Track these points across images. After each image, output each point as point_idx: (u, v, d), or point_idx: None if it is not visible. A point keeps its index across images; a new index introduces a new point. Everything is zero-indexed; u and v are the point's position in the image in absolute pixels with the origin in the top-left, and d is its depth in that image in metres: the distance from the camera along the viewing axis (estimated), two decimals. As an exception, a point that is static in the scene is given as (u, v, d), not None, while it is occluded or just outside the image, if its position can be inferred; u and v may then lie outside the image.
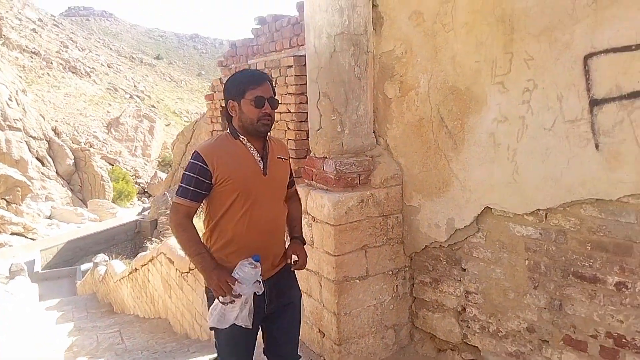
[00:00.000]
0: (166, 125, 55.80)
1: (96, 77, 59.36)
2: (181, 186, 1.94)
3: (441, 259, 2.86)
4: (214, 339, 2.14)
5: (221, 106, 6.93)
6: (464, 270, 2.75)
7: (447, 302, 2.87)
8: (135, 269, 8.47)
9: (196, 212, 2.01)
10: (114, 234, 24.35)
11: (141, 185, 42.62)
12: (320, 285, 2.92)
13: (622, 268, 2.14)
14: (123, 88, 60.73)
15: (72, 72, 55.49)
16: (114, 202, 34.27)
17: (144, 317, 8.00)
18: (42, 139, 34.01)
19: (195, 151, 1.96)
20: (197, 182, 1.92)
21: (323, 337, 2.98)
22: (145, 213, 27.38)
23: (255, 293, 1.92)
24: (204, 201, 2.00)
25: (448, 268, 2.83)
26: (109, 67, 65.21)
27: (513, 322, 2.57)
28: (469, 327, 2.78)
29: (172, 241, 6.42)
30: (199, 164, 1.92)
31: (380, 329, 2.99)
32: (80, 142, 42.24)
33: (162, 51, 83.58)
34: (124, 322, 7.85)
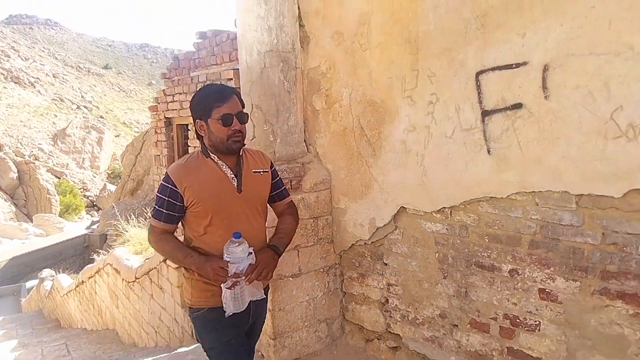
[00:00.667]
0: (115, 137, 54.39)
1: (41, 87, 57.27)
2: (155, 208, 1.94)
3: (366, 255, 3.13)
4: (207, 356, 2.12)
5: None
6: (386, 264, 3.03)
7: (372, 294, 3.14)
8: (82, 282, 8.38)
9: (174, 231, 2.01)
10: (62, 249, 23.55)
11: (90, 198, 41.34)
12: (256, 284, 3.13)
13: (513, 257, 2.47)
14: (70, 98, 58.83)
15: (15, 82, 53.37)
16: (61, 217, 33.10)
17: (91, 329, 7.93)
18: (-17, 152, 32.57)
19: (166, 173, 1.94)
20: (169, 205, 1.91)
21: (260, 332, 3.19)
22: (94, 227, 26.65)
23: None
24: (180, 222, 2.00)
25: (372, 263, 3.11)
26: (54, 77, 63.04)
27: (428, 310, 2.86)
28: (392, 317, 3.06)
29: (119, 251, 6.46)
30: (169, 186, 1.89)
31: (313, 322, 3.22)
32: (25, 155, 40.58)
33: (111, 60, 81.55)
34: (71, 335, 7.75)
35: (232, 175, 1.96)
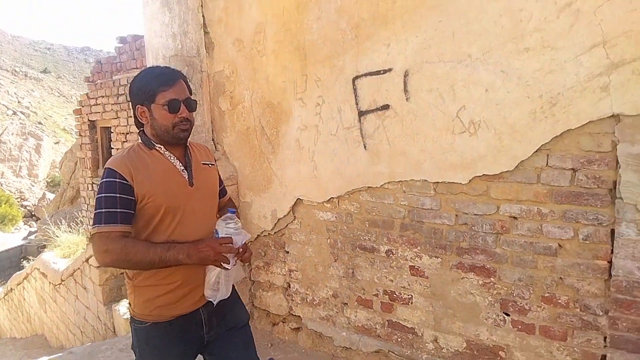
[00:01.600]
0: (55, 143, 52.25)
1: (-28, 92, 54.36)
2: (102, 212, 1.59)
3: (270, 244, 3.40)
4: None
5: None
6: (287, 252, 3.31)
7: (276, 281, 3.41)
8: (11, 289, 8.21)
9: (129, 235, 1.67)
10: (-4, 261, 22.51)
11: (28, 208, 39.61)
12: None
13: (388, 239, 2.80)
14: (5, 104, 56.12)
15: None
16: (-4, 228, 31.56)
17: (20, 337, 7.79)
18: None
19: (106, 168, 1.64)
20: (124, 202, 1.61)
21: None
22: (32, 237, 25.64)
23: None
24: None
25: (275, 252, 3.38)
26: (-13, 81, 59.95)
27: (323, 291, 3.16)
28: (293, 300, 3.34)
29: (46, 255, 6.44)
30: (117, 180, 1.61)
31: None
32: (-46, 163, 38.39)
33: (50, 64, 78.35)
34: (-2, 345, 7.59)
35: (182, 168, 1.75)
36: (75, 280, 5.20)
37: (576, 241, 2.21)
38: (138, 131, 1.79)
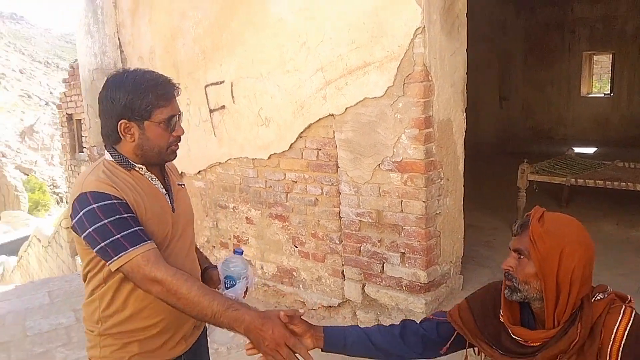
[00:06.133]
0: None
1: (7, 83, 57.26)
2: (117, 238, 1.26)
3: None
4: None
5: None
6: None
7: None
8: (21, 257, 9.74)
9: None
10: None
11: (59, 194, 42.07)
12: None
13: (234, 198, 4.02)
14: (38, 95, 58.99)
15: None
16: (30, 214, 33.84)
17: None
18: (-53, 147, 33.07)
19: (89, 193, 1.30)
20: (134, 220, 1.31)
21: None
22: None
23: None
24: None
25: (173, 212, 4.64)
26: (21, 72, 62.94)
27: (202, 239, 4.41)
28: (185, 246, 4.60)
29: (41, 223, 7.85)
30: (115, 201, 1.31)
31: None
32: (-10, 152, 40.96)
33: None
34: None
35: (165, 191, 1.49)
36: (55, 240, 6.60)
37: (323, 196, 3.39)
38: (106, 148, 1.44)
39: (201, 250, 1.87)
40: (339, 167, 3.23)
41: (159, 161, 1.47)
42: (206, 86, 3.95)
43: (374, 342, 1.44)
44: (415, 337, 1.46)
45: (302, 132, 3.37)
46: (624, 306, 1.21)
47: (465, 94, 3.19)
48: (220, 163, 4.03)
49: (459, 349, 1.46)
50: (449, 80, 3.00)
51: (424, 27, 2.72)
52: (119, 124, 1.37)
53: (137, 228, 1.29)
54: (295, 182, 3.53)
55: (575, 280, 1.20)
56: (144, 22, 4.37)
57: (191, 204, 1.67)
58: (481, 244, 4.32)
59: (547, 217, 1.26)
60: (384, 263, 3.15)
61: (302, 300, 3.65)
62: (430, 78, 2.82)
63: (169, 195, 1.49)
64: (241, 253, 1.55)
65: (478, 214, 5.18)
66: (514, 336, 1.30)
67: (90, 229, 1.27)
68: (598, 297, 1.24)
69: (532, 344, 1.27)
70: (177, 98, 1.48)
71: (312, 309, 3.58)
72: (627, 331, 1.16)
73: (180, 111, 1.48)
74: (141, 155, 1.42)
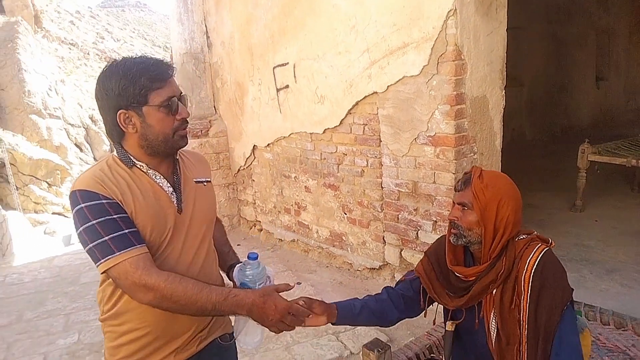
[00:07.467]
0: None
1: (131, 66, 62.69)
2: (104, 240, 1.19)
3: (245, 175, 5.24)
4: None
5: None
6: (253, 180, 5.12)
7: (249, 198, 5.26)
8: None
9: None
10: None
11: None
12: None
13: (295, 169, 4.47)
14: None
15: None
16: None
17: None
18: (80, 127, 37.19)
19: (78, 191, 1.23)
20: (125, 222, 1.23)
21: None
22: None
23: None
24: None
25: (248, 180, 5.21)
26: (143, 56, 68.47)
27: (269, 204, 4.94)
28: (257, 211, 5.16)
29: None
30: (103, 201, 1.22)
31: (221, 217, 5.41)
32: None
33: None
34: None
35: (171, 190, 1.37)
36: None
37: (368, 168, 3.71)
38: (113, 145, 1.36)
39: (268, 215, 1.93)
40: (381, 141, 3.53)
41: (168, 150, 1.34)
42: (274, 67, 4.40)
43: (373, 310, 1.63)
44: (399, 299, 1.69)
45: (350, 109, 3.70)
46: (540, 244, 1.45)
47: (505, 72, 3.31)
48: (284, 137, 4.48)
49: (433, 302, 1.68)
50: (485, 59, 3.15)
51: (456, 9, 2.91)
52: (118, 115, 1.27)
53: (127, 231, 1.22)
54: (345, 154, 3.88)
55: (509, 225, 1.45)
56: (225, 11, 4.92)
57: (215, 202, 1.57)
58: (534, 222, 4.38)
59: (485, 174, 1.52)
60: (418, 230, 3.41)
61: (349, 262, 4.03)
62: (462, 57, 3.00)
63: (176, 194, 1.36)
64: (256, 258, 1.43)
65: (543, 194, 5.19)
66: (457, 275, 1.58)
67: (80, 229, 1.21)
68: (521, 237, 1.49)
69: (470, 279, 1.54)
70: (174, 78, 1.34)
71: (358, 269, 3.95)
72: (536, 262, 1.40)
73: (181, 92, 1.34)
74: (147, 146, 1.31)
